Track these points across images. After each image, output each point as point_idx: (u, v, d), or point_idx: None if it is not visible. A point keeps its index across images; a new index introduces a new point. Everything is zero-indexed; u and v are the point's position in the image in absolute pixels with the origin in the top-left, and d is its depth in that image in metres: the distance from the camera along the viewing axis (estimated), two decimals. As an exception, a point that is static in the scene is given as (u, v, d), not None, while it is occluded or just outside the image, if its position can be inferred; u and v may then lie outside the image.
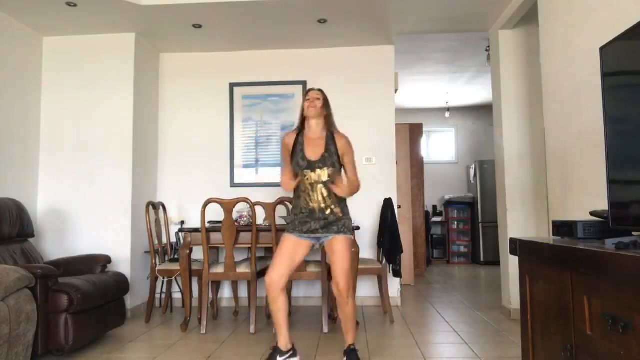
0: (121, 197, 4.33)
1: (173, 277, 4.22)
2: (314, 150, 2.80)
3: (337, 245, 2.75)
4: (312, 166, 2.76)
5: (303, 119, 2.87)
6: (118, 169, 4.36)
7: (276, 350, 2.76)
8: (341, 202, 2.83)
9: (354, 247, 3.48)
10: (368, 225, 4.76)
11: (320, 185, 2.77)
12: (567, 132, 2.86)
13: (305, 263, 3.82)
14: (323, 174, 2.76)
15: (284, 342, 2.76)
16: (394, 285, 4.62)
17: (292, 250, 2.76)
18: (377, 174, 4.80)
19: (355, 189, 2.86)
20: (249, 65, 5.00)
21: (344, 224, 2.78)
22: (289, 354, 2.77)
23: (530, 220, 4.10)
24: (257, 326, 3.77)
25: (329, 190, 2.77)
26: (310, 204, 2.77)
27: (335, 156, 2.80)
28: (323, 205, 2.77)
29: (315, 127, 2.84)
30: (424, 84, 7.17)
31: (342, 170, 2.89)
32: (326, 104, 2.86)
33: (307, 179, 2.78)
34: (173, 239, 4.74)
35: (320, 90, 2.87)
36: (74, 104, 4.44)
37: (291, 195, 3.03)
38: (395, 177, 4.86)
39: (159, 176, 4.97)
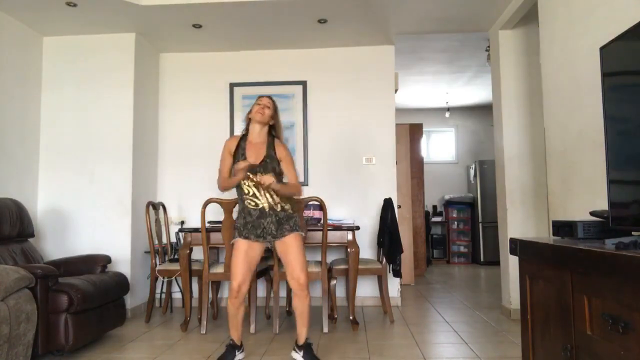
0: (121, 197, 4.33)
1: (173, 277, 4.22)
2: (256, 154, 2.85)
3: (291, 241, 2.81)
4: (254, 170, 2.79)
5: (249, 121, 2.92)
6: (118, 169, 4.36)
7: (233, 346, 2.88)
8: (290, 199, 2.87)
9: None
10: (368, 225, 4.76)
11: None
12: (567, 132, 2.86)
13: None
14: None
15: (238, 338, 2.90)
16: (394, 285, 4.62)
17: (247, 256, 2.81)
18: (377, 174, 4.80)
19: (293, 188, 2.85)
20: (249, 65, 4.99)
21: (295, 222, 2.84)
22: (242, 349, 2.95)
23: (530, 220, 4.10)
24: (257, 326, 3.77)
25: (275, 190, 2.81)
26: (260, 204, 2.80)
27: (275, 162, 2.85)
28: (272, 203, 2.81)
29: (258, 132, 2.89)
30: (424, 84, 7.17)
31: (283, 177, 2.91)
32: (275, 113, 2.90)
33: (251, 181, 2.79)
34: (173, 239, 4.74)
35: (272, 100, 2.92)
36: (73, 103, 4.44)
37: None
38: (395, 177, 4.86)
39: (159, 176, 4.97)
